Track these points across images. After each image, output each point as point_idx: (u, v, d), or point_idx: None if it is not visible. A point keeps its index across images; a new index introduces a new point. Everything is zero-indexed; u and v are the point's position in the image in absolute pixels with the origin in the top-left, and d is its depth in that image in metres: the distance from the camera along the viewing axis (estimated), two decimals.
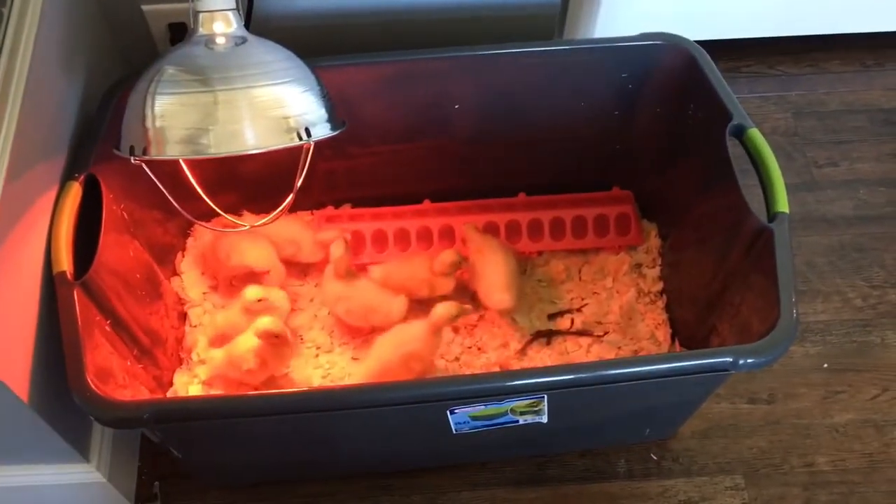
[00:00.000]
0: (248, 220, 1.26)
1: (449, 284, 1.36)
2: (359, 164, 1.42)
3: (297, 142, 0.99)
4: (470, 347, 1.35)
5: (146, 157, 0.98)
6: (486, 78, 1.30)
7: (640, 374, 0.99)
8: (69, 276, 1.03)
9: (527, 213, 1.44)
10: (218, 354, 1.27)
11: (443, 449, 1.23)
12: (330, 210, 1.47)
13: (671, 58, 1.26)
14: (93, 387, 0.96)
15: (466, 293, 1.39)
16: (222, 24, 1.02)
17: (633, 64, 1.28)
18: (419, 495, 1.27)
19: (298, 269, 1.43)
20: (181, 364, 1.33)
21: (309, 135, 1.00)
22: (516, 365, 1.33)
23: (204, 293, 1.40)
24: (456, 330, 1.37)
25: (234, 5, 1.03)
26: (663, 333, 1.36)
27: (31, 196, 1.03)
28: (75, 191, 1.10)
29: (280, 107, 0.99)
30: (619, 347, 1.35)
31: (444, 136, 1.39)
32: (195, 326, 1.37)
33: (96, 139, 1.15)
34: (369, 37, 1.36)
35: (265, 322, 1.21)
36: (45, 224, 1.06)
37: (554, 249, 1.44)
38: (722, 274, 1.20)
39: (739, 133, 1.16)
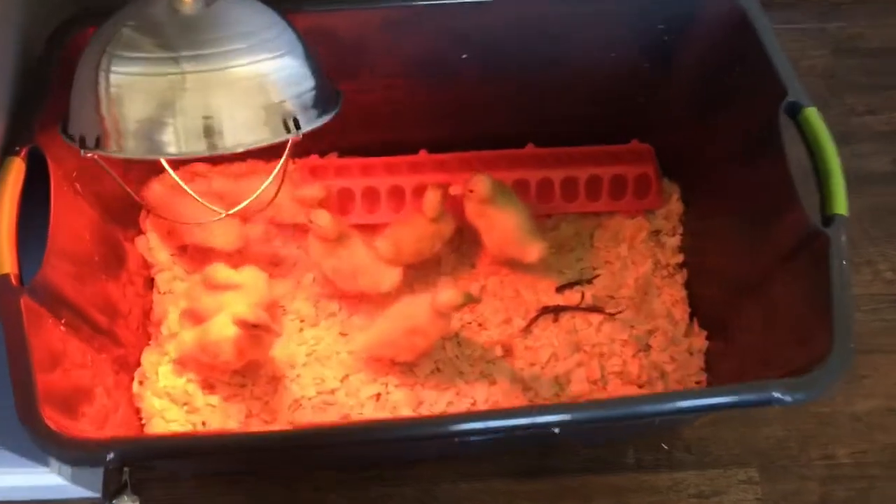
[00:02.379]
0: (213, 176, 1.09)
1: (450, 226, 1.23)
2: (347, 104, 1.24)
3: (282, 136, 0.82)
4: (470, 323, 1.23)
5: (102, 153, 0.81)
6: (507, 20, 1.11)
7: (667, 410, 0.88)
8: (14, 279, 0.88)
9: (536, 170, 1.29)
10: (188, 337, 1.13)
11: (439, 449, 1.13)
12: (314, 159, 1.31)
13: (718, 11, 1.08)
14: (46, 421, 0.83)
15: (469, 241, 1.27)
16: None
17: (673, 15, 1.11)
18: (411, 487, 1.18)
19: (280, 228, 1.27)
20: (149, 340, 1.20)
21: (297, 126, 0.83)
22: (520, 344, 1.22)
23: (172, 255, 1.25)
24: None
25: None
26: (681, 311, 1.25)
27: None
28: (17, 168, 0.93)
29: (262, 90, 0.82)
30: (633, 327, 1.23)
31: (446, 73, 1.21)
32: (164, 294, 1.23)
33: (41, 101, 0.97)
34: None
35: (242, 311, 1.07)
36: None
37: (565, 212, 1.30)
38: (761, 262, 1.08)
39: (793, 111, 1.01)
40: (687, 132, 1.24)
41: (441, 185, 1.22)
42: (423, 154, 1.31)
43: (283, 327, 1.21)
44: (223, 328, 1.09)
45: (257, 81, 0.81)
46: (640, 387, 1.19)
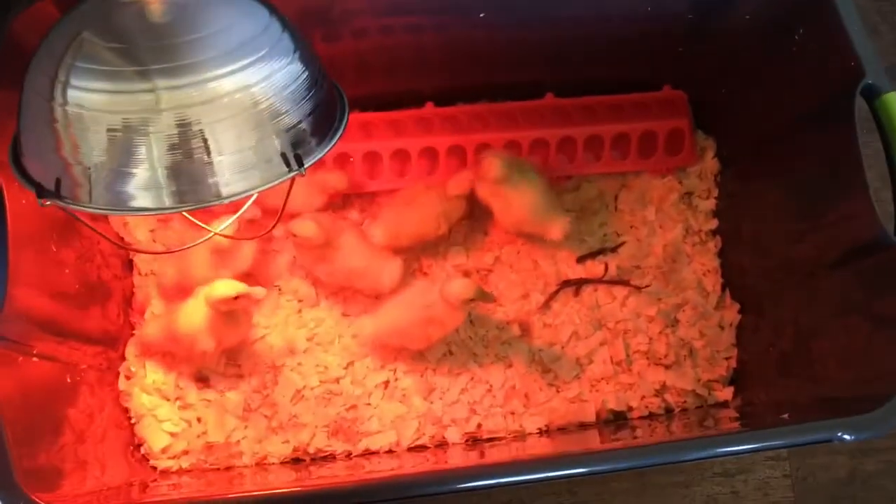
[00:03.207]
0: None
1: (461, 207, 1.11)
2: (341, 47, 1.07)
3: (282, 177, 0.68)
4: None
5: (63, 204, 0.67)
6: None
7: (719, 454, 0.81)
8: None
9: (557, 128, 1.14)
10: (153, 329, 1.03)
11: None
12: None
13: None
14: (24, 490, 0.74)
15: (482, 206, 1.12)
16: None
17: None
18: None
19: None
20: (133, 329, 1.09)
21: (300, 163, 0.68)
22: (538, 322, 1.12)
23: (152, 231, 1.11)
24: (468, 274, 1.13)
25: None
26: (712, 282, 1.15)
27: None
28: None
29: (257, 123, 0.67)
30: (660, 299, 1.14)
31: (454, 13, 1.04)
32: (145, 275, 1.11)
33: None
34: None
35: (219, 289, 0.95)
36: None
37: (588, 173, 1.17)
38: (807, 246, 0.99)
39: (869, 95, 0.87)
40: (730, 84, 1.10)
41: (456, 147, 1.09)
42: (429, 107, 1.15)
43: (281, 307, 1.11)
44: (193, 314, 0.97)
45: (251, 113, 0.66)
46: (668, 367, 1.11)
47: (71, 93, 0.64)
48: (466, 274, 1.13)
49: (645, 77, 1.16)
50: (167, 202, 0.65)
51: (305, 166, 0.68)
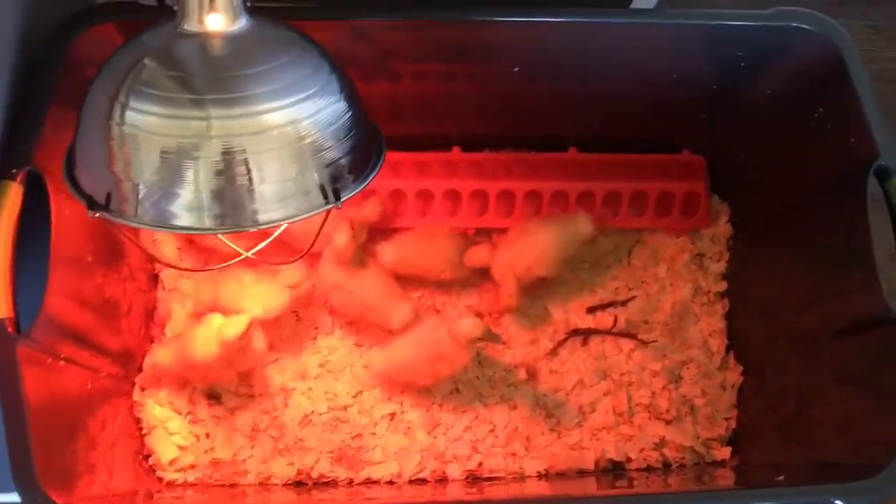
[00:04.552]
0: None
1: (468, 272, 1.16)
2: (376, 88, 1.12)
3: (320, 208, 0.72)
4: None
5: (112, 218, 0.70)
6: (561, 42, 0.99)
7: None
8: (9, 325, 0.79)
9: (578, 181, 1.18)
10: (164, 356, 1.05)
11: None
12: None
13: (809, 51, 0.96)
14: (43, 487, 0.77)
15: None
16: (222, 17, 0.70)
17: (755, 46, 0.98)
18: None
19: None
20: (152, 342, 1.12)
21: (337, 197, 0.72)
22: (545, 367, 1.15)
23: (179, 248, 1.15)
24: (480, 316, 1.16)
25: None
26: (718, 343, 1.18)
27: None
28: (14, 194, 0.82)
29: (300, 157, 0.70)
30: (665, 355, 1.16)
31: (487, 65, 1.09)
32: (169, 291, 1.14)
33: (40, 113, 0.85)
34: None
35: (230, 329, 0.98)
36: None
37: (605, 227, 1.20)
38: (814, 316, 1.01)
39: (882, 175, 0.91)
40: (748, 153, 1.14)
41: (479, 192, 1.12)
42: (456, 151, 1.20)
43: (297, 333, 1.13)
44: (208, 344, 1.00)
45: (295, 147, 0.69)
46: (668, 422, 1.13)
47: (129, 114, 0.68)
48: (478, 315, 1.16)
49: (666, 139, 1.20)
50: (207, 223, 0.69)
51: (342, 200, 0.72)
